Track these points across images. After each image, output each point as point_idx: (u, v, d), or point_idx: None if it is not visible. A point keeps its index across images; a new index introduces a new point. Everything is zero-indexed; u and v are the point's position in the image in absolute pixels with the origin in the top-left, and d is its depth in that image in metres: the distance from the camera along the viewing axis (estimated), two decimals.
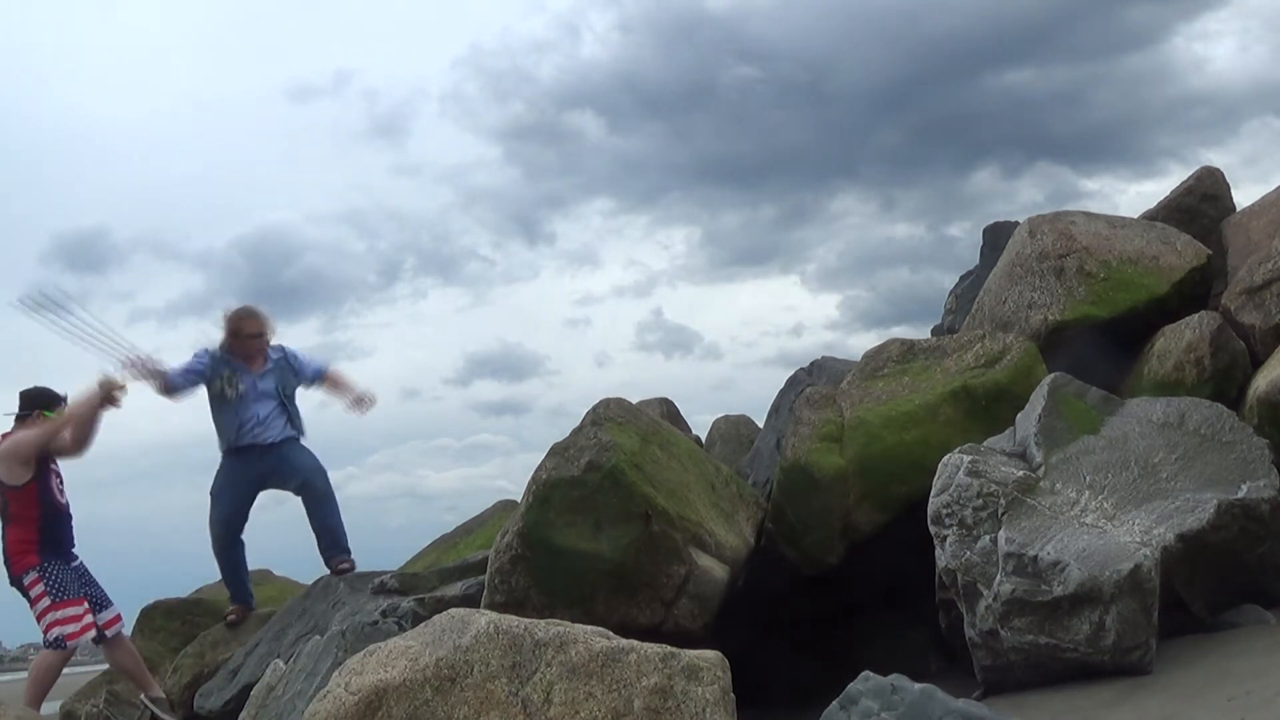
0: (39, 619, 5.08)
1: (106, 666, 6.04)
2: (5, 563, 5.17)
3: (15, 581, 5.13)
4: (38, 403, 5.37)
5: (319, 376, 6.21)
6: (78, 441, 5.40)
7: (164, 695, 5.55)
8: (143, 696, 5.45)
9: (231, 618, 6.10)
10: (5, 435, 5.32)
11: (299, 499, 6.03)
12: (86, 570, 5.35)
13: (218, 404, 5.93)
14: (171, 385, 5.81)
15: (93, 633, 5.18)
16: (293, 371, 6.09)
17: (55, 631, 5.02)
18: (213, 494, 6.04)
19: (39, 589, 5.05)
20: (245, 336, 5.92)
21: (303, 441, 6.07)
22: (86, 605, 5.17)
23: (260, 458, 5.91)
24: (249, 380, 5.90)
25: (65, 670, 5.28)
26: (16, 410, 5.41)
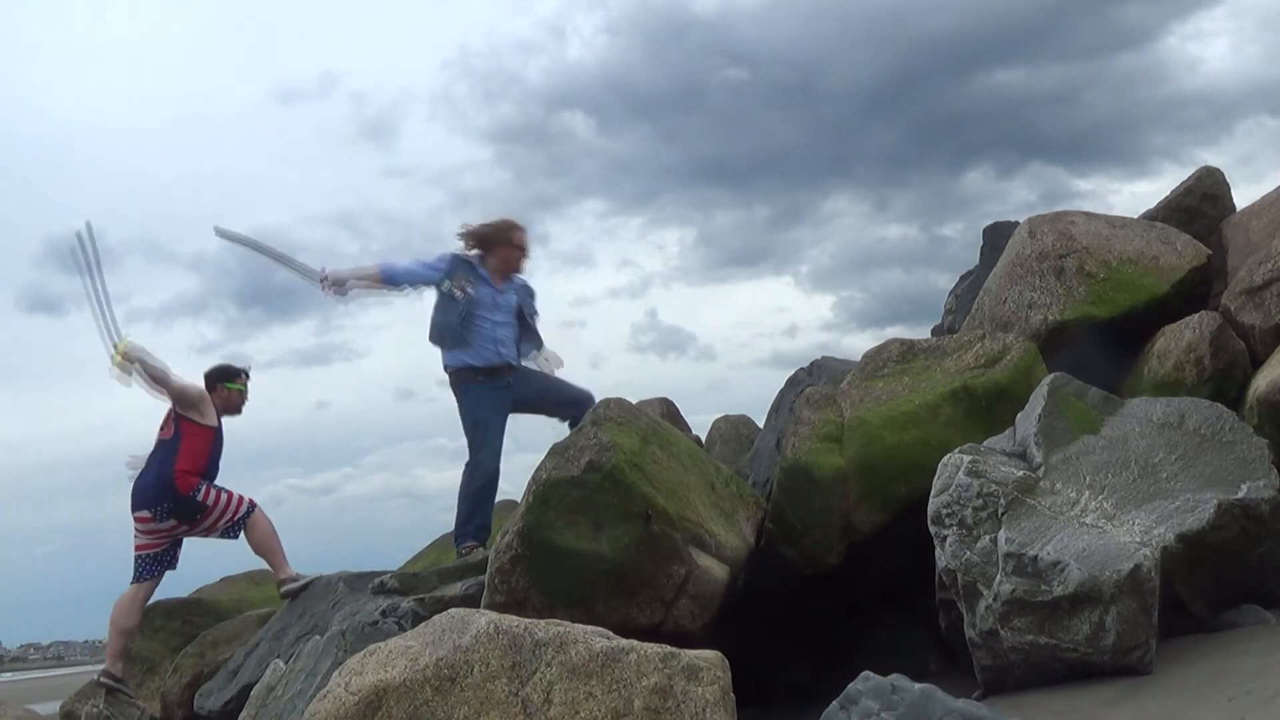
0: (225, 508, 5.70)
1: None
2: (171, 484, 5.65)
3: (187, 500, 5.66)
4: (219, 378, 6.02)
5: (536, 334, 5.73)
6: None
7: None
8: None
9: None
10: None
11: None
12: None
13: (450, 308, 5.46)
14: (390, 278, 5.63)
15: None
16: (531, 303, 5.64)
17: (245, 504, 5.75)
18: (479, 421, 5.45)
19: (213, 493, 5.69)
20: (514, 246, 5.56)
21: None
22: None
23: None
24: (487, 291, 5.47)
25: (64, 671, 5.35)
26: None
